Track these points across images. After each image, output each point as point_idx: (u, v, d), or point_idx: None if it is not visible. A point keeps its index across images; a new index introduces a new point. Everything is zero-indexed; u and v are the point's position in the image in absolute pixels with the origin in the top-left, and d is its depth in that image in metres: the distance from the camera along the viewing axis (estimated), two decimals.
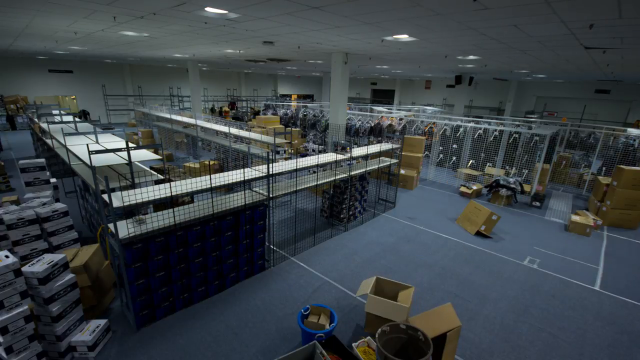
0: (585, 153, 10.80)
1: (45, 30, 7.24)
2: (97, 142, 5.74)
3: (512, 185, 8.37)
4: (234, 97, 26.83)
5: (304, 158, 6.07)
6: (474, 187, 9.17)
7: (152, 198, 3.67)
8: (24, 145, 13.93)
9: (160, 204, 4.64)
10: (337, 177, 6.18)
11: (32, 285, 3.14)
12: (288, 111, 14.71)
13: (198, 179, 4.29)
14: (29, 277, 3.11)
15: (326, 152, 7.56)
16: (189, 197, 4.55)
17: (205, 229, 4.21)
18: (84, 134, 5.85)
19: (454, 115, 13.69)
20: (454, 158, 11.43)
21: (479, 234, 6.74)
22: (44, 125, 7.62)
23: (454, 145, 11.34)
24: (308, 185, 5.58)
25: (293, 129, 13.82)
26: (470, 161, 10.69)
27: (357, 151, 7.00)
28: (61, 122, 7.87)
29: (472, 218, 6.95)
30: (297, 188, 5.41)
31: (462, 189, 9.32)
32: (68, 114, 9.36)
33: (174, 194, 3.83)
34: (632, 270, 5.80)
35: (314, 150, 10.27)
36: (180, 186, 4.09)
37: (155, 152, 10.17)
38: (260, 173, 4.92)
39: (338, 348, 3.17)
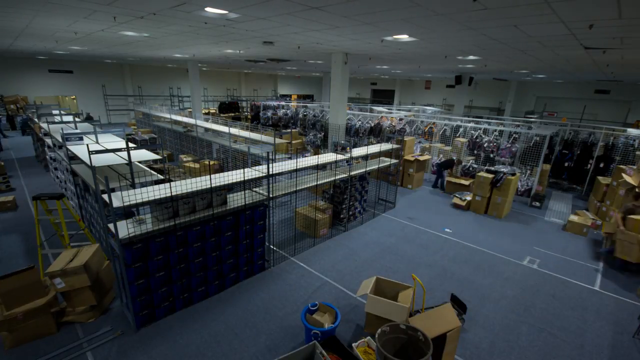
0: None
1: (45, 30, 7.23)
2: (97, 142, 5.74)
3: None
4: (235, 97, 26.84)
5: (304, 158, 6.07)
6: (468, 199, 8.38)
7: (152, 198, 3.67)
8: (24, 145, 13.93)
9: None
10: (337, 177, 6.18)
11: None
12: (288, 111, 14.70)
13: (198, 179, 4.29)
14: None
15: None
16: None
17: (205, 229, 4.21)
18: (84, 134, 5.84)
19: (453, 115, 13.69)
20: (455, 158, 11.41)
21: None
22: (44, 125, 7.61)
23: None
24: (308, 186, 5.58)
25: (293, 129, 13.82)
26: (470, 161, 10.68)
27: (357, 151, 7.00)
28: (61, 122, 7.87)
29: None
30: (297, 188, 5.41)
31: (455, 200, 8.54)
32: (69, 114, 9.35)
33: (174, 194, 3.83)
34: (631, 270, 5.80)
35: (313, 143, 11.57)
36: (180, 186, 4.09)
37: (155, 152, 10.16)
38: (260, 173, 4.92)
39: (338, 348, 3.18)
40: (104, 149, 4.51)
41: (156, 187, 3.89)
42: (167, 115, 12.81)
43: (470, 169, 9.63)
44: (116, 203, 3.44)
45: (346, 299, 4.63)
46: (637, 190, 6.31)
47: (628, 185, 6.55)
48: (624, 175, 6.97)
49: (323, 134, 12.33)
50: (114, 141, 5.91)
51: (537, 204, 8.70)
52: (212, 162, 9.52)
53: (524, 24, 4.71)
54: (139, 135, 9.68)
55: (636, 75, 11.88)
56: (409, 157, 9.74)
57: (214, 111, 21.80)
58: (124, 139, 6.09)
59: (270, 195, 4.93)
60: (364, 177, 7.20)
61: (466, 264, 5.69)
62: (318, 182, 5.72)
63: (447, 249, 6.22)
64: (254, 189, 5.15)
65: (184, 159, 10.16)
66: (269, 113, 15.02)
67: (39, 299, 3.75)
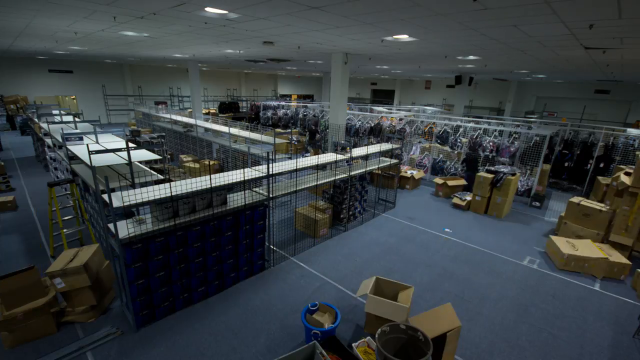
0: None
1: (45, 30, 7.23)
2: (97, 142, 5.74)
3: None
4: (235, 97, 26.86)
5: (304, 158, 6.07)
6: (468, 198, 8.40)
7: (152, 198, 3.67)
8: (24, 145, 13.93)
9: None
10: (337, 177, 6.18)
11: None
12: (288, 111, 14.71)
13: (198, 179, 4.29)
14: None
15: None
16: None
17: (205, 229, 4.21)
18: (84, 134, 5.84)
19: (453, 115, 13.69)
20: (455, 158, 11.41)
21: None
22: (44, 125, 7.62)
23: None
24: (308, 186, 5.58)
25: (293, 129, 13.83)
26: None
27: (357, 151, 7.00)
28: (61, 122, 7.87)
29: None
30: (297, 188, 5.41)
31: (455, 200, 8.51)
32: (69, 114, 9.36)
33: (174, 194, 3.83)
34: (631, 270, 5.80)
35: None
36: (180, 186, 4.09)
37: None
38: (260, 173, 4.92)
39: (338, 348, 3.18)
40: (104, 149, 4.51)
41: (156, 187, 3.89)
42: (167, 116, 12.82)
43: (461, 170, 9.66)
44: (116, 203, 3.44)
45: (346, 299, 4.63)
46: None
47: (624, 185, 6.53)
48: (621, 175, 6.95)
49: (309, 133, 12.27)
50: (114, 141, 5.91)
51: (537, 204, 8.70)
52: (212, 162, 9.53)
53: (524, 24, 4.71)
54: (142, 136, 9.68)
55: (636, 75, 11.88)
56: (404, 173, 9.81)
57: (214, 111, 21.81)
58: (124, 138, 6.09)
59: (270, 195, 4.93)
60: (364, 177, 7.20)
61: (466, 264, 5.69)
62: (318, 182, 5.72)
63: (447, 249, 6.22)
64: (254, 189, 5.16)
65: (184, 159, 10.16)
66: (269, 113, 15.03)
67: (39, 299, 3.75)
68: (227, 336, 3.86)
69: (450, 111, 19.36)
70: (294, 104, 17.06)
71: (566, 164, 10.39)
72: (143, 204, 3.63)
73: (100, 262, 4.31)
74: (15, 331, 3.58)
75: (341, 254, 5.86)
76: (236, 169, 5.03)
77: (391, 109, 16.55)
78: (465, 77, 15.42)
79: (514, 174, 7.88)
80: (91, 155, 4.12)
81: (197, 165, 9.48)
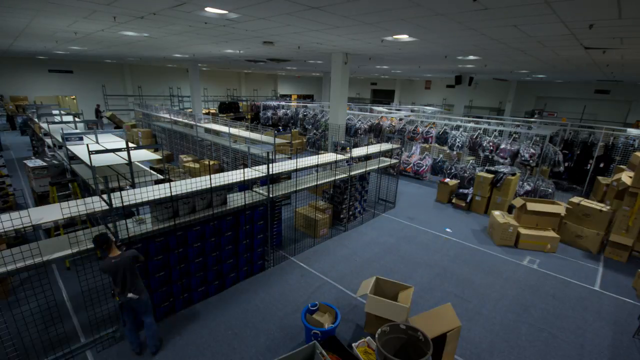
0: None
1: (45, 30, 7.23)
2: (97, 142, 5.74)
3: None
4: (235, 97, 26.85)
5: (304, 158, 6.07)
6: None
7: (152, 198, 3.67)
8: (24, 145, 13.93)
9: None
10: (337, 177, 6.18)
11: None
12: (288, 111, 14.73)
13: (198, 179, 4.29)
14: None
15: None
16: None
17: (205, 229, 4.21)
18: (84, 134, 5.85)
19: (453, 115, 13.69)
20: (455, 158, 11.40)
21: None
22: (44, 125, 7.62)
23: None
24: (308, 186, 5.58)
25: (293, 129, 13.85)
26: (470, 161, 10.68)
27: (357, 151, 7.00)
28: (61, 122, 7.87)
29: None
30: (297, 188, 5.41)
31: (455, 200, 8.61)
32: (69, 114, 9.36)
33: (174, 194, 3.83)
34: (631, 270, 5.80)
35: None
36: (180, 186, 4.09)
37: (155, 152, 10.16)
38: (260, 173, 4.92)
39: (338, 348, 3.18)
40: (104, 149, 4.51)
41: (156, 187, 3.89)
42: (167, 116, 12.82)
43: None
44: (116, 203, 3.44)
45: (346, 299, 4.63)
46: None
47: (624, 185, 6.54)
48: (622, 175, 6.96)
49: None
50: (114, 141, 5.91)
51: None
52: (212, 162, 9.52)
53: (524, 24, 4.71)
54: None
55: (636, 75, 11.88)
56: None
57: (214, 111, 21.81)
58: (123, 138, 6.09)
59: (270, 196, 4.93)
60: (364, 177, 7.20)
61: (466, 264, 5.69)
62: (318, 182, 5.72)
63: (447, 249, 6.22)
64: (254, 189, 5.16)
65: (184, 159, 10.16)
66: (269, 113, 15.04)
67: None
68: (227, 336, 3.86)
69: (450, 111, 19.37)
70: (294, 104, 17.05)
71: (566, 164, 10.38)
72: (143, 204, 3.63)
73: None
74: None
75: (341, 254, 5.85)
76: (236, 169, 5.03)
77: (391, 109, 16.55)
78: (465, 77, 15.41)
79: (514, 174, 7.88)
80: (91, 155, 4.12)
81: (197, 165, 9.48)
